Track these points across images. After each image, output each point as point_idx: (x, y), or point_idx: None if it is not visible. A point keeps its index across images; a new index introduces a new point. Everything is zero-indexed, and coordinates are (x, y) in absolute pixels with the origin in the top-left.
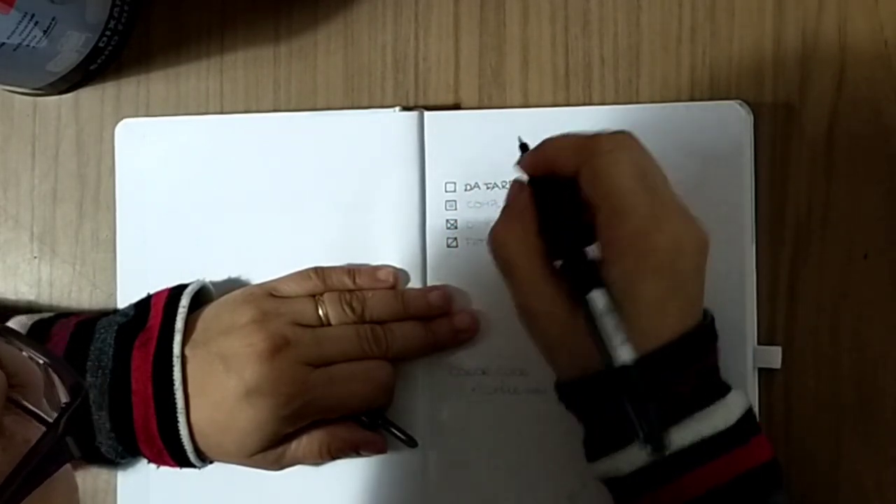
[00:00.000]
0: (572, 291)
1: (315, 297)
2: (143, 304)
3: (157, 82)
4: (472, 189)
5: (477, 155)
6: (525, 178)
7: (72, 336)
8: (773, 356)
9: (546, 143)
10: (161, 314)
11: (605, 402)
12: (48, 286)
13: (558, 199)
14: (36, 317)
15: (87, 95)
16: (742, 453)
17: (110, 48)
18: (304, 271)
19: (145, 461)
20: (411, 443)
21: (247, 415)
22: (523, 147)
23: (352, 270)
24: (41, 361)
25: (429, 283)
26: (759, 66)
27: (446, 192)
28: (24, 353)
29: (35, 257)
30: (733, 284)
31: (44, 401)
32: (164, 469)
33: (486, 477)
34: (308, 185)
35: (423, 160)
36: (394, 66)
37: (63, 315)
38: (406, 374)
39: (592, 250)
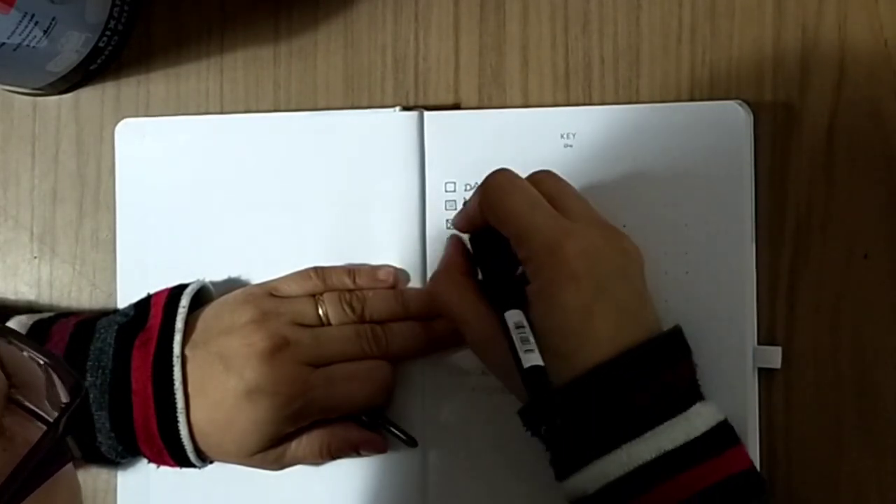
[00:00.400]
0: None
1: (315, 296)
2: (143, 304)
3: (157, 82)
4: (471, 189)
5: (477, 155)
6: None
7: (72, 336)
8: (773, 356)
9: (466, 203)
10: (161, 314)
11: (552, 424)
12: (48, 286)
13: (487, 242)
14: (36, 317)
15: (87, 95)
16: (713, 465)
17: (110, 48)
18: (304, 271)
19: (145, 461)
20: (411, 443)
21: (247, 415)
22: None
23: (352, 270)
24: (41, 361)
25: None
26: (759, 66)
27: (446, 192)
28: (24, 353)
29: (35, 257)
30: (733, 284)
31: (45, 401)
32: (164, 469)
33: (486, 477)
34: (308, 185)
35: (423, 160)
36: (394, 66)
37: (63, 315)
38: (406, 374)
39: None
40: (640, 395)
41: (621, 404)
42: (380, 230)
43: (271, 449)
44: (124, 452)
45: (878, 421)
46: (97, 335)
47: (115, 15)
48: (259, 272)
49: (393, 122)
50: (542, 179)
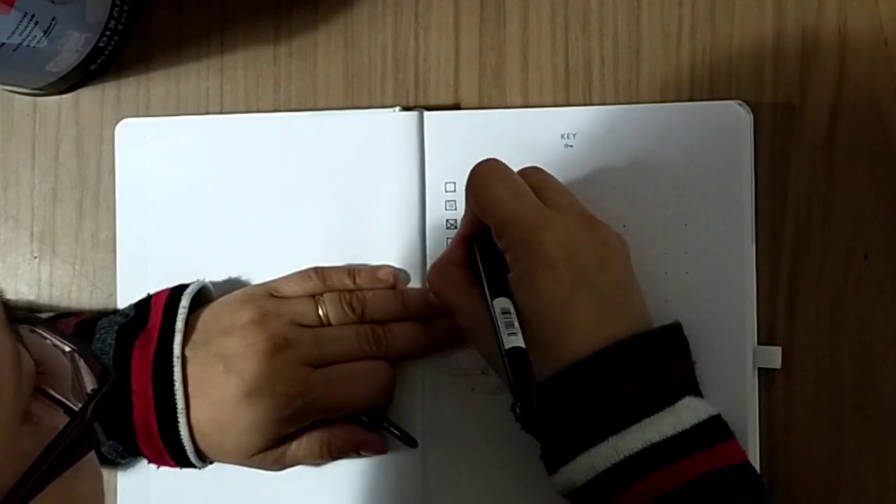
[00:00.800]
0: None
1: (315, 297)
2: (144, 305)
3: (157, 82)
4: None
5: (477, 155)
6: None
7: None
8: (773, 356)
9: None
10: (161, 314)
11: (541, 416)
12: (48, 286)
13: (488, 242)
14: None
15: (87, 95)
16: (702, 458)
17: (110, 48)
18: (305, 271)
19: (145, 461)
20: (411, 443)
21: (247, 415)
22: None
23: (352, 270)
24: (67, 349)
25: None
26: (759, 66)
27: (446, 192)
28: (48, 342)
29: (35, 257)
30: (733, 284)
31: (70, 389)
32: (164, 469)
33: (486, 477)
34: (308, 185)
35: (423, 160)
36: (394, 66)
37: (63, 315)
38: (406, 374)
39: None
40: (627, 387)
41: (607, 396)
42: (380, 230)
43: (271, 449)
44: (124, 453)
45: (878, 421)
46: (97, 335)
47: (115, 15)
48: (259, 272)
49: (393, 123)
50: (529, 173)
